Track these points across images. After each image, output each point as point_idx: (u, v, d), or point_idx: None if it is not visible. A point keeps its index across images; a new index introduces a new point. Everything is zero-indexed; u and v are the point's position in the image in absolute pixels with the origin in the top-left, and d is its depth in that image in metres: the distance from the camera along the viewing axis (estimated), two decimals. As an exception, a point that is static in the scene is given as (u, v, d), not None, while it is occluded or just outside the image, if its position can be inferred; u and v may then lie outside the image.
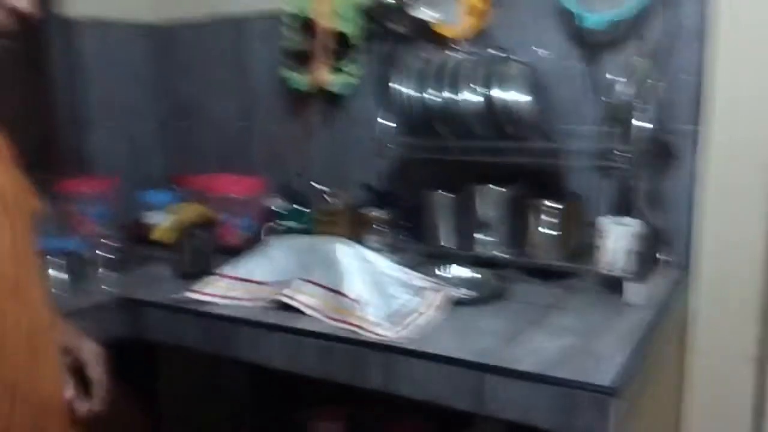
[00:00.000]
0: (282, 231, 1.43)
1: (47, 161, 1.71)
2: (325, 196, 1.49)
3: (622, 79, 1.20)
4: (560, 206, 1.25)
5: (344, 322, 1.03)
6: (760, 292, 1.25)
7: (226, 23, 1.77)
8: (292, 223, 1.48)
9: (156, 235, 1.43)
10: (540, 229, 1.25)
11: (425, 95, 1.28)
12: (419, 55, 1.36)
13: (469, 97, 1.23)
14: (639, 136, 1.15)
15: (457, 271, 1.28)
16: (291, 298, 1.08)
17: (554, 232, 1.25)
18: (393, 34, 1.46)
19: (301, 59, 1.59)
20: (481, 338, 0.98)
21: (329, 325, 1.04)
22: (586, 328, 1.02)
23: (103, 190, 1.51)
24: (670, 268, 1.26)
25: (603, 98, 1.25)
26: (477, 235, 1.33)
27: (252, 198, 1.54)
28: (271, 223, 1.47)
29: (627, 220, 1.16)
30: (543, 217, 1.25)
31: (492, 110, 1.22)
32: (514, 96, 1.21)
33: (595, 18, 1.24)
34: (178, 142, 1.94)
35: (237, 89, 1.80)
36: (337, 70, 1.55)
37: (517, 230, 1.29)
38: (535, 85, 1.23)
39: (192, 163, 1.87)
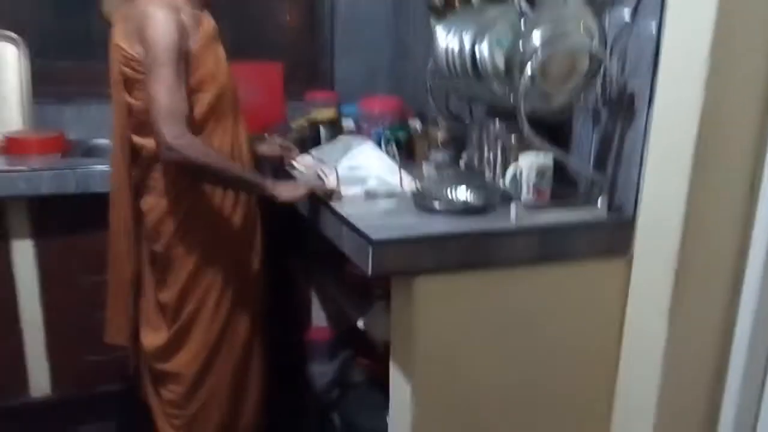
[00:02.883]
0: (385, 137, 2.02)
1: (308, 77, 2.66)
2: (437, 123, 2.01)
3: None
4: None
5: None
6: (676, 243, 1.31)
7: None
8: (400, 133, 2.05)
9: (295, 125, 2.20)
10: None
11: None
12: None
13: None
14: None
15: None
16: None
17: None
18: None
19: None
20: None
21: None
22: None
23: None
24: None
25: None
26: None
27: (390, 113, 2.16)
28: (387, 131, 2.06)
29: (542, 154, 1.39)
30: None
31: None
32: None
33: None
34: (401, 73, 2.64)
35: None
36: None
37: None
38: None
39: (397, 90, 2.55)
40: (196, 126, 1.60)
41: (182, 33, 1.54)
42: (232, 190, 1.69)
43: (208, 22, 1.66)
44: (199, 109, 1.61)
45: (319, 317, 2.38)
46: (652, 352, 1.39)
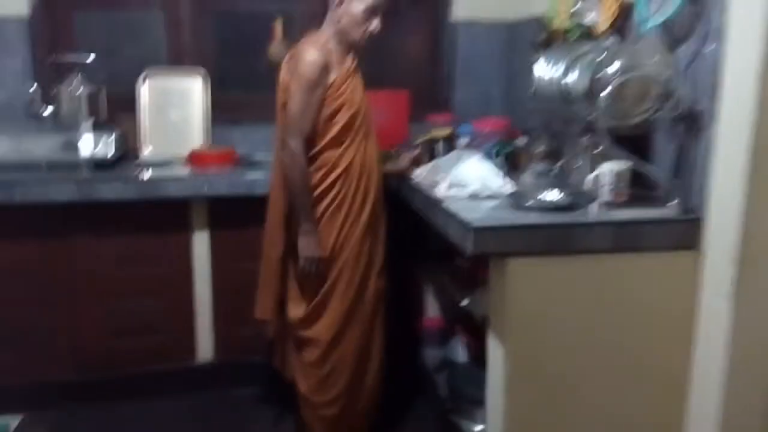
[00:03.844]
0: (494, 151, 2.35)
1: (430, 102, 3.06)
2: (538, 140, 2.33)
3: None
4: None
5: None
6: (737, 238, 1.54)
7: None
8: (507, 148, 2.38)
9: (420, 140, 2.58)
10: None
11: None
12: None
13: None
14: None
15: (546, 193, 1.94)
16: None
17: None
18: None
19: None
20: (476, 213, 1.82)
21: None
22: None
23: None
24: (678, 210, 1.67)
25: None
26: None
27: (499, 132, 2.50)
28: (496, 146, 2.40)
29: (621, 162, 1.68)
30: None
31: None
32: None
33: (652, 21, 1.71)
34: (511, 98, 2.98)
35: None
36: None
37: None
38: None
39: (508, 112, 2.89)
40: (333, 139, 2.05)
41: (326, 68, 2.00)
42: (292, 205, 2.11)
43: (350, 61, 2.10)
44: (337, 126, 2.05)
45: (432, 309, 2.76)
46: (719, 329, 1.62)
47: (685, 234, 1.68)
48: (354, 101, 2.08)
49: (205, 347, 2.66)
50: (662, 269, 1.69)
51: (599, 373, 1.73)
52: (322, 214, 2.09)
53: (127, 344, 2.58)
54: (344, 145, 2.07)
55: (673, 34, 1.73)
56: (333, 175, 2.06)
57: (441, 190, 1.95)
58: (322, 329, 2.15)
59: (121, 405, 2.56)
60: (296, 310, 2.19)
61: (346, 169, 2.07)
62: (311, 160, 2.06)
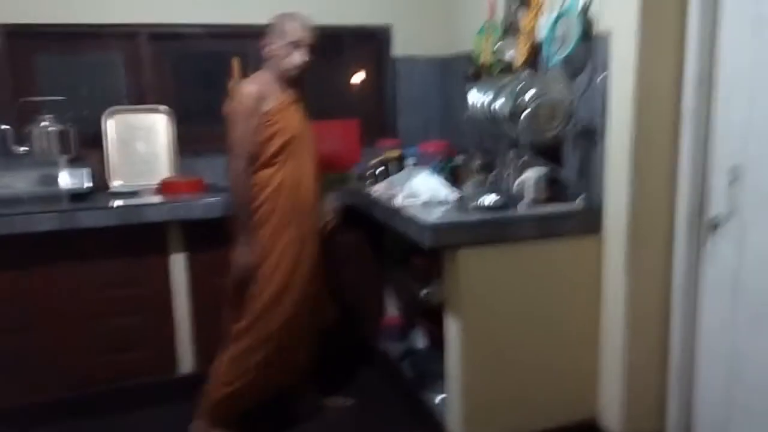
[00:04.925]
0: (438, 168, 2.78)
1: (378, 129, 3.48)
2: (474, 156, 2.79)
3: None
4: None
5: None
6: (627, 223, 2.03)
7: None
8: (448, 166, 2.82)
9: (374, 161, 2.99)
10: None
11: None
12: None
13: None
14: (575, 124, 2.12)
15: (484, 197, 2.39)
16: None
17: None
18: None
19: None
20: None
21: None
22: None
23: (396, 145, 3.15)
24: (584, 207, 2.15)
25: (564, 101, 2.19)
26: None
27: (439, 152, 2.95)
28: (439, 165, 2.83)
29: (540, 169, 2.15)
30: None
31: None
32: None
33: (555, 58, 2.20)
34: (448, 123, 3.44)
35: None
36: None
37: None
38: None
39: (445, 135, 3.35)
40: (268, 160, 2.30)
41: (261, 98, 2.27)
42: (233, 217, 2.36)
43: (286, 94, 2.36)
44: (271, 150, 2.30)
45: (392, 310, 3.15)
46: (619, 294, 2.10)
47: (590, 222, 2.16)
48: (288, 129, 2.34)
49: (185, 360, 2.84)
50: (575, 250, 2.17)
51: (533, 335, 2.18)
52: (255, 224, 2.34)
53: (112, 361, 2.75)
54: (276, 167, 2.34)
55: (572, 68, 2.22)
56: (266, 191, 2.33)
57: (399, 201, 2.36)
58: (244, 322, 2.37)
59: (108, 418, 2.73)
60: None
61: (278, 187, 2.33)
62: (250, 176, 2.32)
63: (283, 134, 2.33)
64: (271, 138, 2.32)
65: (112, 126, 3.02)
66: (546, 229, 2.14)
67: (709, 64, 1.91)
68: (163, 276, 2.78)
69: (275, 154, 2.33)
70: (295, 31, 2.32)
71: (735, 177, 1.84)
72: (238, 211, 2.34)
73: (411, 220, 2.17)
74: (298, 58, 2.33)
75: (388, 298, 3.17)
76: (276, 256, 2.36)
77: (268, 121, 2.31)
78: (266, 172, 2.34)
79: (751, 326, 1.83)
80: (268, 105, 2.31)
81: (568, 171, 2.28)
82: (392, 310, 3.17)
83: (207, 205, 2.72)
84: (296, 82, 2.42)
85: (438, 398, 2.50)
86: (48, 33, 2.97)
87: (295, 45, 2.32)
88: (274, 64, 2.37)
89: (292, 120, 2.37)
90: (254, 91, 2.29)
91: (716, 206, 1.93)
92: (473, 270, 2.09)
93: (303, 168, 2.41)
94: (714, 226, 1.94)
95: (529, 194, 2.17)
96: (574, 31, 2.11)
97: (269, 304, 2.36)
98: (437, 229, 2.05)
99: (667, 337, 2.11)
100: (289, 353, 2.47)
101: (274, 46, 2.34)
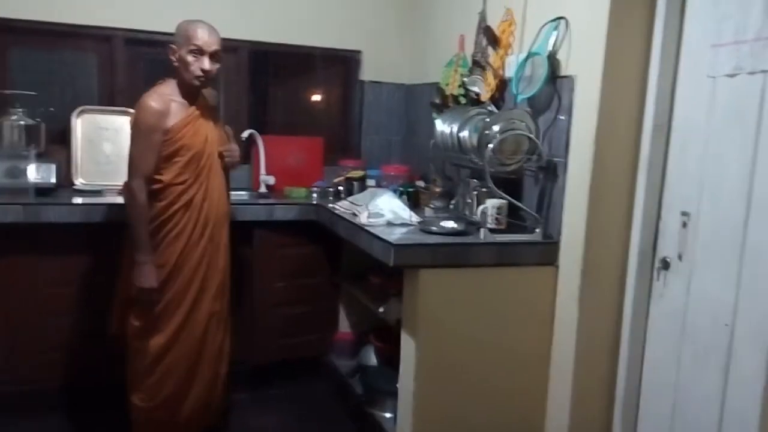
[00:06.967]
0: (398, 190, 2.87)
1: (341, 149, 3.55)
2: (433, 179, 2.87)
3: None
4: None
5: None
6: (582, 256, 2.14)
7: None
8: (409, 189, 2.90)
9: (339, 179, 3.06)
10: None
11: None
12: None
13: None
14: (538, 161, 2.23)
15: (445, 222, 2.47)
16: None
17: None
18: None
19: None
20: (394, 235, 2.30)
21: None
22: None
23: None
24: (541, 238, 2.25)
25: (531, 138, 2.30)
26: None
27: (400, 175, 3.03)
28: (399, 188, 2.92)
29: (501, 199, 2.25)
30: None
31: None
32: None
33: (522, 95, 2.32)
34: (409, 147, 3.54)
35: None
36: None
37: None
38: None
39: (407, 159, 3.44)
40: (176, 176, 2.25)
41: (163, 114, 2.21)
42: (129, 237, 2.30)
43: (191, 109, 2.30)
44: (177, 165, 2.25)
45: (343, 325, 3.18)
46: (570, 324, 2.20)
47: (547, 253, 2.27)
48: (194, 144, 2.28)
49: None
50: (531, 278, 2.26)
51: (486, 357, 2.25)
52: (163, 239, 2.29)
53: (61, 358, 2.75)
54: (186, 183, 2.29)
55: (537, 106, 2.34)
56: (175, 207, 2.27)
57: (363, 219, 2.41)
58: (152, 342, 2.33)
59: (55, 416, 2.72)
60: (135, 320, 2.36)
61: (187, 204, 2.29)
62: (157, 192, 2.26)
63: (189, 150, 2.28)
64: (176, 153, 2.26)
65: (80, 125, 3.03)
66: (504, 256, 2.23)
67: (668, 112, 2.05)
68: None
69: (183, 171, 2.28)
70: (199, 38, 2.24)
71: (686, 221, 1.97)
72: (136, 231, 2.25)
73: (376, 238, 2.22)
74: (203, 65, 2.25)
75: (341, 314, 3.20)
76: (188, 273, 2.33)
77: (171, 138, 2.25)
78: (175, 188, 2.28)
79: (695, 363, 1.94)
80: (171, 121, 2.25)
81: (528, 203, 2.39)
82: (344, 325, 3.20)
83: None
84: (199, 90, 2.35)
85: (387, 415, 2.53)
86: (25, 29, 2.99)
87: (200, 52, 2.25)
88: (177, 75, 2.31)
89: (197, 136, 2.31)
90: (156, 107, 2.22)
91: (668, 247, 2.05)
92: (432, 290, 2.15)
93: (212, 182, 2.37)
94: (665, 265, 2.06)
95: (489, 222, 2.26)
96: (542, 72, 2.23)
97: (182, 322, 2.34)
98: (401, 248, 2.11)
99: (614, 369, 2.21)
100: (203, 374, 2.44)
101: (179, 54, 2.27)
